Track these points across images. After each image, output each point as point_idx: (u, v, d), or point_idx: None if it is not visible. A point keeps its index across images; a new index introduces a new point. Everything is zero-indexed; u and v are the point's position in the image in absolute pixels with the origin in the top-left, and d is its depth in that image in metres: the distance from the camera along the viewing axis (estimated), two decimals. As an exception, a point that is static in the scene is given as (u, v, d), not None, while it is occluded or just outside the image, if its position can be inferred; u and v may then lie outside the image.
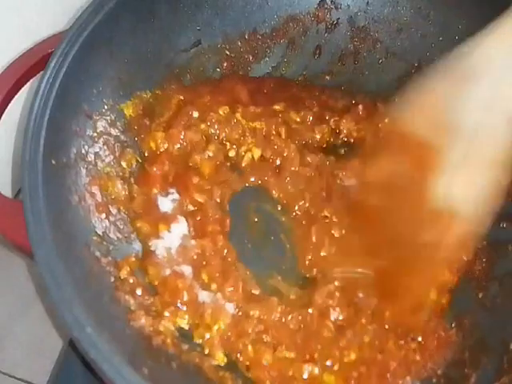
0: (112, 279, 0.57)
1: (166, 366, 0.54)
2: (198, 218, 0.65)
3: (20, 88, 0.63)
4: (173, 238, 0.64)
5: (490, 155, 0.52)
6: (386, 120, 0.63)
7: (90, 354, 0.47)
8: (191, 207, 0.66)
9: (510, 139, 0.51)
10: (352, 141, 0.73)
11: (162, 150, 0.68)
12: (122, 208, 0.63)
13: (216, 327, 0.59)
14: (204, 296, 0.61)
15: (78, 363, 0.62)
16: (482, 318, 0.61)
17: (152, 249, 0.63)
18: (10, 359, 0.67)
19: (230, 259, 0.64)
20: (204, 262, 0.63)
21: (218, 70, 0.76)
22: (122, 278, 0.59)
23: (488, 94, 0.51)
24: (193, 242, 0.64)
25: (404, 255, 0.58)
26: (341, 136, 0.73)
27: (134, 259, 0.61)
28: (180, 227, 0.65)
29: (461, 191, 0.54)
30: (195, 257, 0.63)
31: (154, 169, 0.67)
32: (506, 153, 0.52)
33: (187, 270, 0.62)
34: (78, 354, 0.62)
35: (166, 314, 0.59)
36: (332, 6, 0.77)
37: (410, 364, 0.59)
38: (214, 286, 0.61)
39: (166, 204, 0.66)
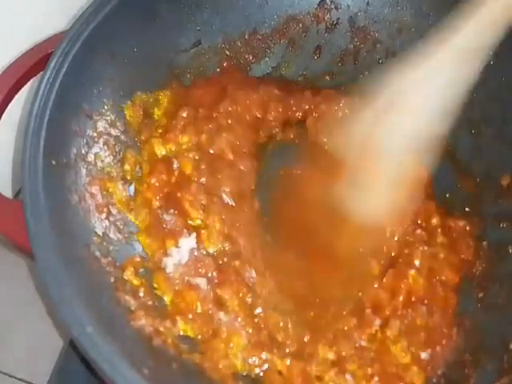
0: (112, 279, 0.57)
1: (166, 366, 0.54)
2: (203, 232, 0.64)
3: (20, 88, 0.63)
4: (182, 252, 0.63)
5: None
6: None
7: (90, 354, 0.47)
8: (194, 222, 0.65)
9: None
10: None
11: (160, 157, 0.67)
12: (122, 209, 0.63)
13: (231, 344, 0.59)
14: (220, 315, 0.60)
15: (78, 363, 0.62)
16: (483, 318, 0.61)
17: (162, 266, 0.62)
18: (10, 359, 0.67)
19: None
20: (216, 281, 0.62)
21: (218, 70, 0.76)
22: (126, 278, 0.59)
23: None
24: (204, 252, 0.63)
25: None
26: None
27: (138, 259, 0.61)
28: (188, 241, 0.63)
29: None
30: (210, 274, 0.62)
31: (153, 180, 0.65)
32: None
33: (202, 281, 0.61)
34: (78, 353, 0.62)
35: (168, 323, 0.58)
36: (332, 6, 0.77)
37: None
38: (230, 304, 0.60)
39: (168, 218, 0.64)
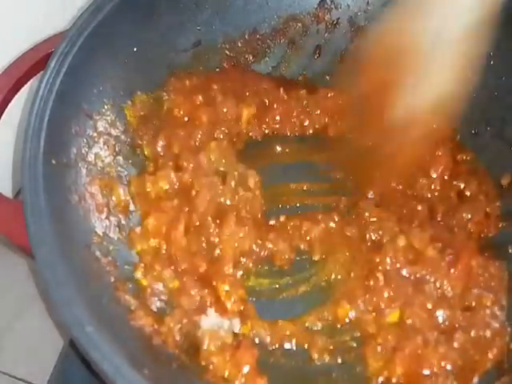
0: (112, 279, 0.57)
1: (166, 365, 0.54)
2: None
3: (20, 88, 0.63)
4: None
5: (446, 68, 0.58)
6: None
7: (90, 354, 0.47)
8: None
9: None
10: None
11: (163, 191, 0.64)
12: (122, 209, 0.63)
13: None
14: None
15: (78, 363, 0.62)
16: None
17: None
18: (10, 359, 0.67)
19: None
20: None
21: (218, 70, 0.76)
22: (135, 278, 0.59)
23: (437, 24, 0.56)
24: None
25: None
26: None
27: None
28: None
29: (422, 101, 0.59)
30: None
31: (150, 220, 0.62)
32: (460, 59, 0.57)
33: None
34: (78, 353, 0.62)
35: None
36: (332, 6, 0.77)
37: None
38: None
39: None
